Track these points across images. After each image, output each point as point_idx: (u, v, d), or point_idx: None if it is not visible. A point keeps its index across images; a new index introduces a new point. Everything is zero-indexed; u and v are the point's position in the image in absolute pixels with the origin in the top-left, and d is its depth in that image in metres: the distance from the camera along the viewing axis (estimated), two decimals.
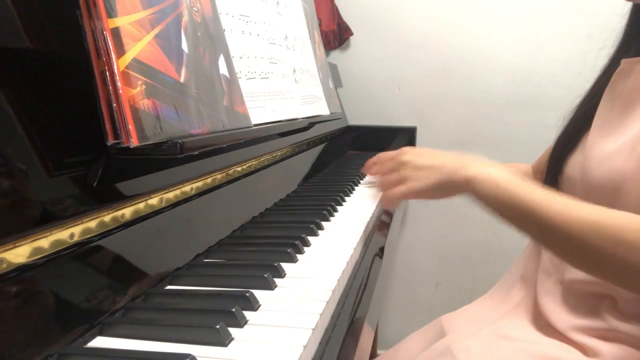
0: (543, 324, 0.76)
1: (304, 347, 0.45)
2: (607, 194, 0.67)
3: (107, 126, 0.51)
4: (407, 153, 0.75)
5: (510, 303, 0.83)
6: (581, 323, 0.71)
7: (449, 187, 0.67)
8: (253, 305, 0.52)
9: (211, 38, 0.72)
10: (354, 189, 1.13)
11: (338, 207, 0.95)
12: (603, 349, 0.68)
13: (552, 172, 0.83)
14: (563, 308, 0.74)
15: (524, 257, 0.88)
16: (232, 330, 0.47)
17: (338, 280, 0.59)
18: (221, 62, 0.74)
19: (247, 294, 0.52)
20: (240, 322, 0.48)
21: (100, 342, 0.47)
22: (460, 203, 1.51)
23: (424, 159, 0.71)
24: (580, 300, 0.72)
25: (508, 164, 1.06)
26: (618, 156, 0.66)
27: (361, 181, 1.21)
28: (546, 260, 0.80)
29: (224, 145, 0.71)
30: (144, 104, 0.53)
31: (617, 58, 0.77)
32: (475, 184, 0.64)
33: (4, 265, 0.41)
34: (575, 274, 0.73)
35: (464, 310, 0.91)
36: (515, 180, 0.63)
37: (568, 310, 0.73)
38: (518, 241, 0.86)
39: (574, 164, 0.78)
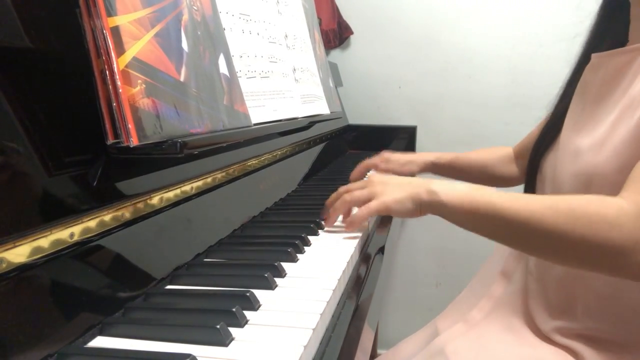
0: (531, 324, 0.76)
1: (305, 347, 0.44)
2: (578, 190, 0.67)
3: (107, 125, 0.50)
4: (374, 176, 0.77)
5: (492, 298, 0.84)
6: (560, 324, 0.71)
7: (416, 201, 0.68)
8: (253, 305, 0.52)
9: (211, 37, 0.72)
10: None
11: None
12: (585, 352, 0.68)
13: (530, 171, 0.83)
14: (544, 308, 0.74)
15: (500, 252, 0.88)
16: (232, 330, 0.46)
17: (339, 280, 0.59)
18: (221, 61, 0.74)
19: (248, 294, 0.52)
20: (241, 322, 0.48)
21: (100, 342, 0.47)
22: None
23: (391, 179, 0.73)
24: (558, 300, 0.72)
25: (491, 147, 1.06)
26: (590, 152, 0.67)
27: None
28: (528, 259, 0.80)
29: (224, 145, 0.71)
30: (144, 103, 0.52)
31: (587, 53, 0.77)
32: (440, 194, 0.66)
33: (4, 265, 0.41)
34: (551, 273, 0.73)
35: (451, 308, 0.91)
36: (475, 187, 0.66)
37: (548, 310, 0.73)
38: None
39: (549, 162, 0.78)
